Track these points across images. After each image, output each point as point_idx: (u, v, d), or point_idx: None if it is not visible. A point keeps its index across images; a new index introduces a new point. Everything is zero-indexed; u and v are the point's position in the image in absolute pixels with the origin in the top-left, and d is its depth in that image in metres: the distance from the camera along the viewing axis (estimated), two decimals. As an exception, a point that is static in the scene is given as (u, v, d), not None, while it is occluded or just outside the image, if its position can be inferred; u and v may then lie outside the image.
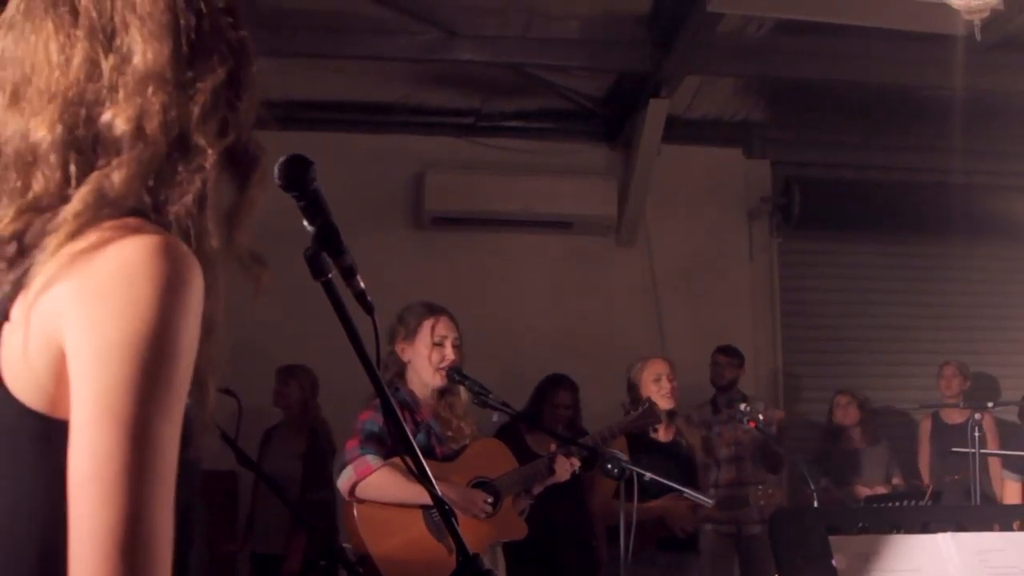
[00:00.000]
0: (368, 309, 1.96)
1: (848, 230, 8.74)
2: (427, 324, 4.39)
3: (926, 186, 8.62)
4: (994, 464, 7.40)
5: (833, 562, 2.01)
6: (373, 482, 4.10)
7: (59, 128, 1.29)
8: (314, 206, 1.85)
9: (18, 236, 1.29)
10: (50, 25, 1.33)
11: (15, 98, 1.32)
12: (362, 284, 1.97)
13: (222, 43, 1.39)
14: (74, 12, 1.33)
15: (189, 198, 1.31)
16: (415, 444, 2.00)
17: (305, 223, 1.87)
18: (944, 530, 2.11)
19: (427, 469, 1.97)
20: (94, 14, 1.33)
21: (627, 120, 8.01)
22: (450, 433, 4.39)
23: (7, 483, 1.25)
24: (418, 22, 6.72)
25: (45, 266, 1.22)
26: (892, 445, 7.52)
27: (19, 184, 1.30)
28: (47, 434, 1.23)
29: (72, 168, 1.28)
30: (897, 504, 6.03)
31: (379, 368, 1.97)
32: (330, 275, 1.87)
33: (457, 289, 6.97)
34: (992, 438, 7.50)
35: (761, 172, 8.79)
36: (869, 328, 8.68)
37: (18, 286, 1.24)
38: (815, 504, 5.54)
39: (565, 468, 4.56)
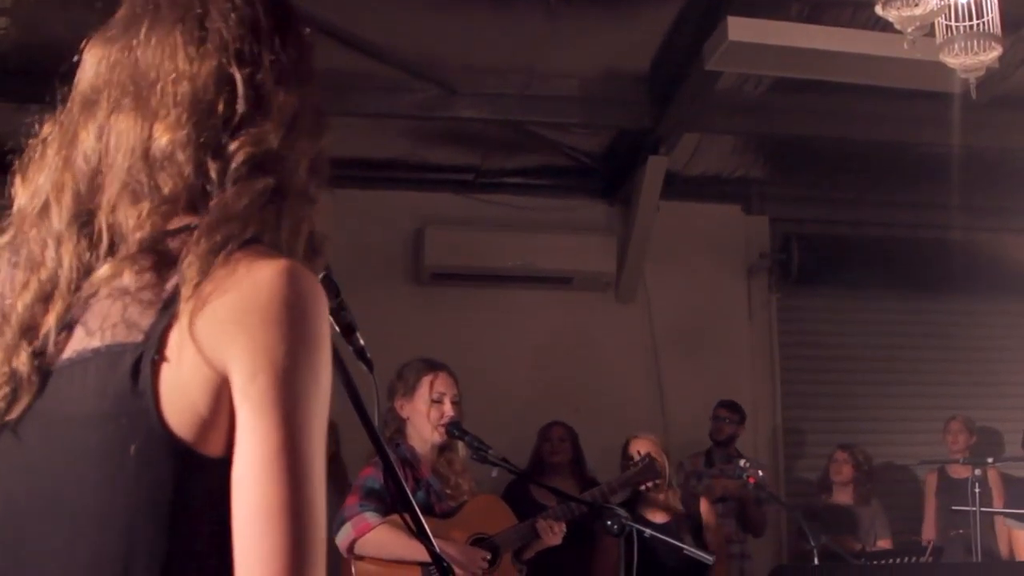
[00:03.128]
0: (369, 366, 1.97)
1: (847, 286, 8.74)
2: (426, 380, 4.39)
3: (925, 242, 8.66)
4: (999, 519, 7.36)
5: (834, 620, 2.00)
6: (372, 539, 4.09)
7: (184, 132, 1.32)
8: (314, 263, 1.86)
9: (156, 240, 1.31)
10: (178, 37, 1.36)
11: (137, 103, 1.34)
12: (362, 341, 1.97)
13: (317, 107, 1.49)
14: (203, 29, 1.37)
15: (301, 234, 1.40)
16: (414, 502, 2.00)
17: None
18: (945, 588, 2.10)
19: (426, 527, 1.97)
20: (226, 36, 1.37)
21: (626, 177, 8.04)
22: (449, 490, 4.38)
23: (143, 510, 1.25)
24: (419, 80, 6.77)
25: (197, 297, 1.24)
26: (885, 504, 7.46)
27: (149, 184, 1.32)
28: (194, 466, 1.25)
29: (203, 168, 1.32)
30: (897, 560, 6.00)
31: (379, 425, 1.97)
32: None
33: (456, 345, 6.95)
34: (997, 493, 7.47)
35: (760, 228, 8.81)
36: (870, 384, 8.66)
37: (171, 317, 1.25)
38: (815, 561, 5.51)
39: (548, 533, 4.52)
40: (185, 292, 1.24)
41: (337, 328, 1.90)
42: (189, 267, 1.25)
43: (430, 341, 6.26)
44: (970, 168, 7.64)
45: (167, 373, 1.24)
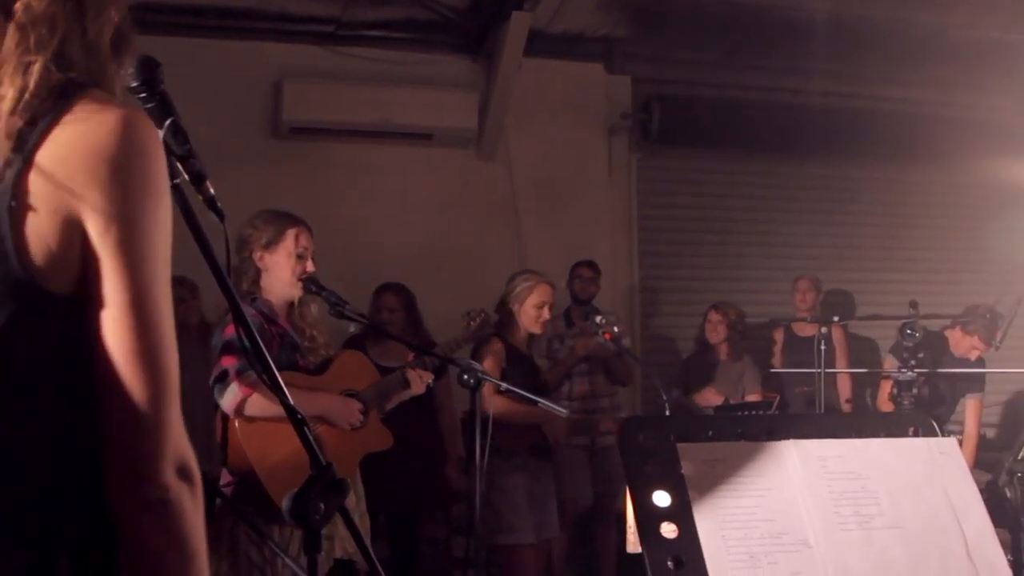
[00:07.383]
0: (220, 216, 1.92)
1: (706, 147, 8.86)
2: (291, 234, 4.29)
3: (784, 105, 8.78)
4: (841, 377, 7.67)
5: (681, 469, 2.05)
6: (260, 399, 3.97)
7: None
8: (161, 108, 1.80)
9: None
10: None
11: None
12: (212, 191, 1.92)
13: None
14: None
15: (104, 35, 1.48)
16: (268, 356, 1.97)
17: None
18: (788, 437, 2.17)
19: (280, 380, 1.94)
20: None
21: (489, 32, 7.94)
22: (306, 343, 4.35)
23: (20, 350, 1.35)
24: (277, -75, 6.54)
25: (48, 143, 1.33)
26: (755, 360, 7.66)
27: None
28: (41, 305, 1.35)
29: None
30: (745, 413, 6.22)
31: (229, 276, 1.93)
32: (178, 180, 1.81)
33: (314, 200, 6.87)
34: (841, 352, 7.77)
35: (622, 88, 8.83)
36: (725, 244, 8.84)
37: (24, 161, 1.33)
38: (667, 414, 5.67)
39: (418, 381, 4.57)
40: (35, 135, 1.33)
41: (187, 177, 1.85)
42: (33, 112, 1.34)
43: (287, 195, 6.16)
44: (832, 34, 7.72)
45: (22, 215, 1.32)
